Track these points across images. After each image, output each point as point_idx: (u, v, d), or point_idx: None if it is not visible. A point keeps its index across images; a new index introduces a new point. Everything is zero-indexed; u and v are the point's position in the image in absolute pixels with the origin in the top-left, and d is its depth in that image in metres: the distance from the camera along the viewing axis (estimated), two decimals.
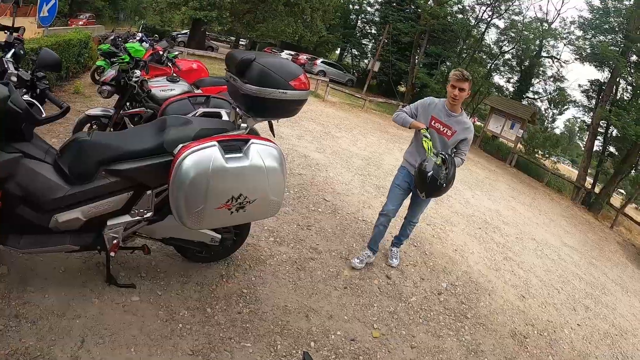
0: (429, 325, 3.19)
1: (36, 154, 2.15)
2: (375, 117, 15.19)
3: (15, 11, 2.45)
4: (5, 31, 2.57)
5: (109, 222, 2.28)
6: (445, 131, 3.23)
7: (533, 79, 25.72)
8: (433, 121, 3.25)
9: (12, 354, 2.01)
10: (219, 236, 2.69)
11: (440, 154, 3.10)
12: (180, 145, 2.13)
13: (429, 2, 24.99)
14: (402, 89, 29.03)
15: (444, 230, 5.28)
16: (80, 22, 24.57)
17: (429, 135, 3.17)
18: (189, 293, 2.65)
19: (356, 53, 33.81)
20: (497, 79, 27.29)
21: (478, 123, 25.38)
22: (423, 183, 3.10)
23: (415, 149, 3.40)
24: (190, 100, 3.49)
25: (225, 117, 2.68)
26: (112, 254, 2.37)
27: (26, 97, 2.19)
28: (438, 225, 5.35)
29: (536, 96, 26.19)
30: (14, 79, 2.19)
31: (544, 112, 26.45)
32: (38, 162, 2.14)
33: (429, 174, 3.03)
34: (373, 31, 32.43)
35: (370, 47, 33.08)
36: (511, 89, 26.16)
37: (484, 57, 26.28)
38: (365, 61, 32.95)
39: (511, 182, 11.67)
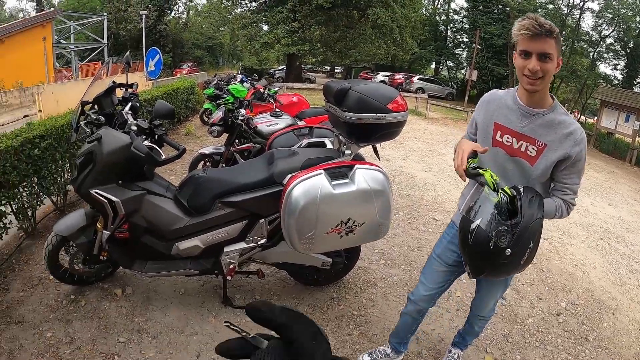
0: (546, 349, 2.90)
1: (158, 191, 2.49)
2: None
3: (128, 70, 2.85)
4: (121, 88, 2.92)
5: (226, 249, 2.49)
6: (523, 148, 1.68)
7: None
8: (498, 133, 1.74)
9: None
10: (330, 260, 2.76)
11: (507, 189, 1.56)
12: (289, 176, 2.26)
13: None
14: None
15: (562, 243, 4.82)
16: (184, 71, 27.04)
17: (479, 167, 1.60)
18: None
19: (451, 64, 32.93)
20: (603, 68, 24.91)
21: (590, 120, 22.95)
22: (467, 248, 1.60)
23: (472, 191, 1.93)
24: (294, 132, 3.69)
25: (329, 146, 2.77)
26: (228, 277, 2.58)
27: (146, 142, 2.47)
28: (555, 239, 4.91)
29: None
30: (134, 128, 2.48)
31: None
32: (160, 197, 2.47)
33: (476, 230, 1.52)
34: (464, 39, 31.48)
35: (464, 56, 32.05)
36: (620, 77, 23.67)
37: (584, 46, 24.17)
38: (462, 71, 31.92)
39: (633, 183, 10.27)
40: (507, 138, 1.72)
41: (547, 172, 1.69)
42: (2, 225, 3.01)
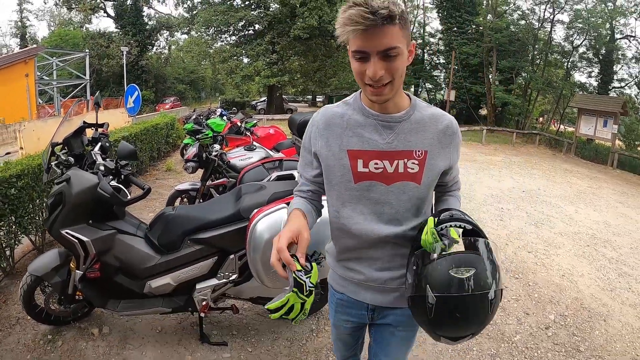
0: None
1: (128, 230, 2.51)
2: (461, 147, 14.65)
3: (97, 110, 2.91)
4: (92, 128, 2.95)
5: (198, 286, 2.47)
6: (402, 167, 1.24)
7: (614, 66, 23.72)
8: (359, 162, 1.25)
9: None
10: None
11: (441, 227, 1.16)
12: (255, 211, 2.28)
13: (487, 18, 24.40)
14: (484, 111, 28.07)
15: (548, 255, 4.85)
16: (167, 106, 27.45)
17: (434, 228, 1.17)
18: (279, 349, 2.70)
19: (430, 86, 33.40)
20: (578, 77, 25.60)
21: (569, 129, 23.46)
22: (437, 316, 1.11)
23: (333, 230, 1.42)
24: (264, 166, 3.74)
25: (297, 178, 2.81)
26: (202, 314, 2.56)
27: (113, 182, 2.50)
28: (540, 251, 4.93)
29: (623, 84, 24.11)
30: (102, 168, 2.51)
31: (635, 98, 23.94)
32: (130, 236, 2.49)
33: (446, 296, 1.08)
34: (441, 60, 32.07)
35: (442, 77, 32.59)
36: (595, 84, 24.24)
37: (558, 57, 24.75)
38: (441, 92, 32.35)
39: (617, 186, 10.49)
40: (375, 164, 1.24)
41: (434, 183, 1.32)
42: None
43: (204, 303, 2.48)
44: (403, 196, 1.26)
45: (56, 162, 2.65)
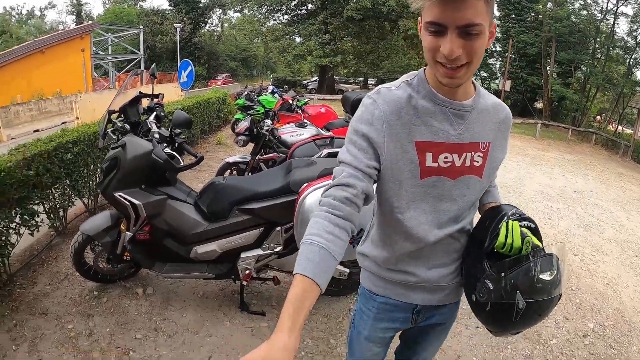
0: None
1: (179, 196, 2.59)
2: (514, 140, 14.20)
3: (153, 81, 3.03)
4: (147, 98, 3.05)
5: (243, 255, 2.53)
6: (468, 161, 1.12)
7: None
8: (427, 155, 1.08)
9: (145, 359, 2.36)
10: (347, 270, 2.74)
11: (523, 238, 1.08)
12: (304, 185, 2.28)
13: (547, 5, 23.28)
14: (539, 105, 26.91)
15: (594, 260, 4.61)
16: (219, 82, 27.83)
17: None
18: (315, 324, 2.73)
19: (485, 75, 32.11)
20: None
21: (628, 131, 22.03)
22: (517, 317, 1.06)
23: (387, 234, 1.22)
24: (315, 142, 3.75)
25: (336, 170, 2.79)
26: (244, 283, 2.63)
27: (167, 150, 2.59)
28: (587, 256, 4.70)
29: None
30: (157, 136, 2.60)
31: None
32: (181, 202, 2.57)
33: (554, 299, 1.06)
34: (497, 48, 30.72)
35: (498, 66, 31.35)
36: None
37: (620, 52, 23.04)
38: (496, 82, 31.19)
39: None
40: (445, 157, 1.09)
41: (493, 175, 1.24)
42: (35, 223, 3.16)
43: (247, 272, 2.54)
44: (467, 191, 1.14)
45: (112, 128, 2.77)
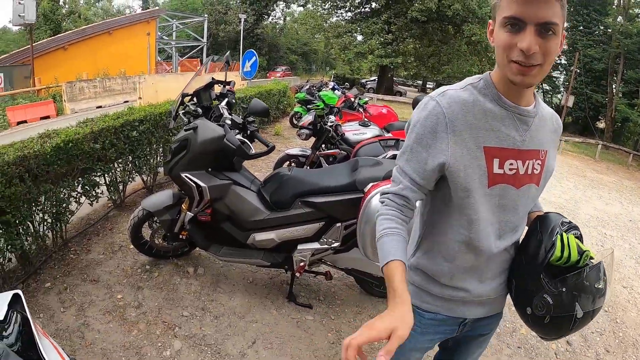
0: None
1: (243, 183, 2.64)
2: (572, 160, 13.80)
3: (227, 69, 3.10)
4: (220, 84, 3.10)
5: (299, 247, 2.55)
6: (530, 169, 1.10)
7: None
8: (495, 161, 1.05)
9: (190, 336, 2.43)
10: None
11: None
12: (370, 185, 2.27)
13: (618, 19, 22.13)
14: (601, 124, 25.58)
15: None
16: (278, 74, 28.19)
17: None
18: (360, 323, 2.71)
19: (547, 88, 30.91)
20: None
21: None
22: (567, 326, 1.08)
23: (447, 246, 1.16)
24: (380, 143, 3.74)
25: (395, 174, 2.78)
26: (297, 274, 2.65)
27: (238, 136, 2.64)
28: (636, 289, 4.40)
29: None
30: (229, 122, 2.67)
31: None
32: (244, 189, 2.61)
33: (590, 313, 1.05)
34: (563, 61, 29.40)
35: (561, 79, 30.11)
36: None
37: None
38: (558, 96, 29.90)
39: None
40: (510, 164, 1.07)
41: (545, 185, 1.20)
42: (95, 194, 3.35)
43: (301, 264, 2.56)
44: (527, 200, 1.12)
45: (184, 111, 2.86)
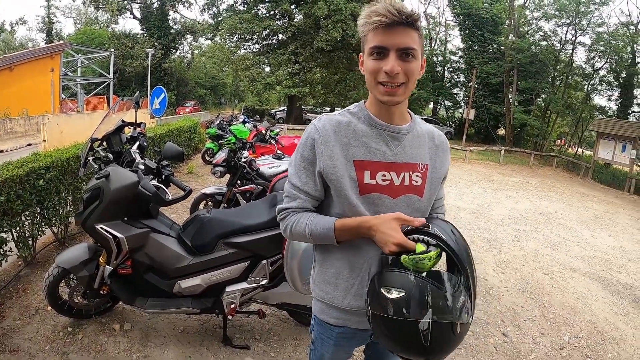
0: None
1: (162, 229, 2.54)
2: (479, 167, 14.86)
3: (137, 110, 2.99)
4: (130, 127, 3.00)
5: (228, 289, 2.49)
6: (407, 180, 1.24)
7: (635, 90, 23.46)
8: (365, 173, 1.20)
9: None
10: None
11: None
12: None
13: (509, 37, 24.44)
14: (502, 132, 27.98)
15: (564, 277, 4.83)
16: (187, 110, 27.69)
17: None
18: (300, 355, 2.70)
19: (449, 104, 33.16)
20: (597, 100, 25.53)
21: (587, 152, 23.19)
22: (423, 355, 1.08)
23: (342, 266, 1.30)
24: None
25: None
26: (229, 317, 2.58)
27: (153, 182, 2.54)
28: (557, 273, 4.91)
29: None
30: (142, 167, 2.56)
31: None
32: (164, 236, 2.51)
33: (430, 330, 1.02)
34: (461, 79, 31.88)
35: (461, 95, 32.48)
36: (614, 108, 24.09)
37: (578, 79, 24.65)
38: (460, 110, 32.07)
39: (633, 212, 10.40)
40: (383, 175, 1.20)
41: (434, 197, 1.32)
42: (2, 253, 3.05)
43: (232, 306, 2.50)
44: (407, 209, 1.23)
45: (94, 157, 2.71)
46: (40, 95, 18.98)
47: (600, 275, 5.12)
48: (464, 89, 31.60)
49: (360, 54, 1.20)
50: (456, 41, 38.80)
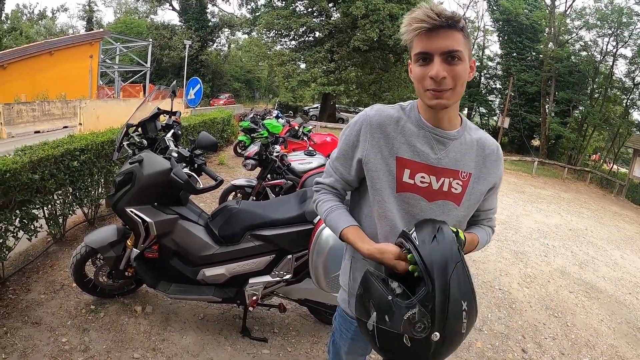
0: None
1: (191, 217, 2.57)
2: (510, 177, 14.47)
3: (173, 99, 3.05)
4: (165, 115, 3.05)
5: (251, 280, 2.50)
6: (446, 186, 1.23)
7: None
8: (406, 172, 1.21)
9: None
10: None
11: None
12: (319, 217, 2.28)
13: (549, 45, 23.78)
14: (536, 142, 27.29)
15: (589, 297, 4.65)
16: (221, 102, 28.11)
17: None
18: (317, 353, 2.69)
19: (484, 111, 32.46)
20: (636, 116, 24.39)
21: (622, 170, 22.31)
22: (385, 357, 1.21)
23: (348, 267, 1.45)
24: None
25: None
26: (250, 308, 2.59)
27: (186, 170, 2.57)
28: (582, 293, 4.74)
29: None
30: (175, 154, 2.60)
31: None
32: (192, 223, 2.54)
33: (376, 333, 1.08)
34: (498, 86, 31.17)
35: (497, 103, 31.72)
36: None
37: (617, 93, 23.57)
38: (495, 118, 31.49)
39: None
40: (422, 177, 1.20)
41: (475, 208, 1.30)
42: (34, 228, 3.14)
43: (254, 297, 2.51)
44: (442, 216, 1.22)
45: (128, 142, 2.76)
46: (78, 80, 19.62)
47: (627, 298, 4.91)
48: (499, 96, 30.91)
49: (409, 60, 1.19)
50: (494, 47, 37.93)
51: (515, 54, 26.47)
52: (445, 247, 1.06)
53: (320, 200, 1.36)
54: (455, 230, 1.15)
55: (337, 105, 28.56)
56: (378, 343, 1.08)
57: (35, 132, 12.87)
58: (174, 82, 3.52)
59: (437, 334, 1.00)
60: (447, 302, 1.00)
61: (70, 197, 3.73)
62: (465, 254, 1.18)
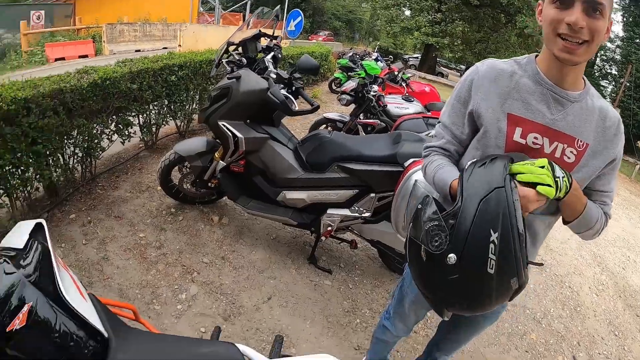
0: None
1: (280, 139, 2.59)
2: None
3: (276, 24, 3.03)
4: (267, 38, 3.02)
5: (329, 211, 2.51)
6: (559, 152, 1.08)
7: None
8: (517, 130, 1.09)
9: (207, 283, 2.46)
10: None
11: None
12: (412, 160, 2.18)
13: None
14: None
15: None
16: (320, 38, 27.62)
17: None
18: (376, 296, 2.70)
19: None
20: None
21: None
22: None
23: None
24: (424, 120, 3.62)
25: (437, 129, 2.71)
26: (322, 238, 2.63)
27: (283, 91, 2.56)
28: None
29: None
30: (274, 75, 2.59)
31: None
32: (281, 145, 2.57)
33: (408, 242, 1.12)
34: (613, 71, 27.96)
35: (609, 90, 28.51)
36: None
37: None
38: None
39: None
40: (534, 138, 1.07)
41: (585, 184, 1.13)
42: (127, 133, 3.37)
43: (329, 228, 2.53)
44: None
45: (227, 59, 2.78)
46: (180, 5, 20.25)
47: None
48: (613, 83, 27.81)
49: (540, 1, 1.04)
50: (616, 27, 33.52)
51: (638, 40, 23.42)
52: (490, 172, 0.99)
53: (429, 162, 1.24)
54: (552, 166, 0.99)
55: (438, 59, 27.14)
56: (408, 255, 1.10)
57: (136, 50, 13.67)
58: (277, 7, 3.48)
59: (453, 255, 0.93)
60: (470, 223, 0.93)
61: (165, 108, 3.93)
62: (571, 213, 1.11)
